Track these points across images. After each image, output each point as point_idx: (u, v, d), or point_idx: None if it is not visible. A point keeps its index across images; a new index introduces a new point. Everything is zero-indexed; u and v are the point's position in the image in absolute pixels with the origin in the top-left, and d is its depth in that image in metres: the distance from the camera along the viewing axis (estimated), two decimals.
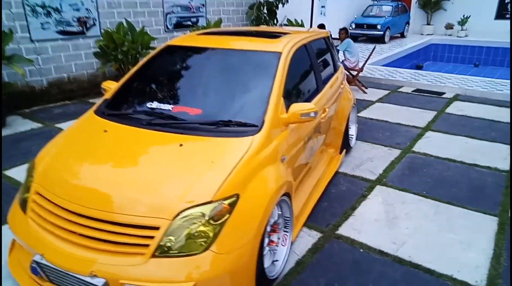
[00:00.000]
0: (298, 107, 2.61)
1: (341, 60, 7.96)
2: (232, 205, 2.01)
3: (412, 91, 7.64)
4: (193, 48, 3.21)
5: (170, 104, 2.71)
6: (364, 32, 14.26)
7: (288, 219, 2.63)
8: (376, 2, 15.72)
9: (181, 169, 2.14)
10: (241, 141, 2.33)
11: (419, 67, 13.21)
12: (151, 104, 2.74)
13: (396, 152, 4.62)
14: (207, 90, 2.83)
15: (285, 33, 3.59)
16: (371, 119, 5.88)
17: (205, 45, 3.21)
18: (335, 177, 3.93)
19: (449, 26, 16.04)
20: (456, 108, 6.50)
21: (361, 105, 6.60)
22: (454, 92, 7.51)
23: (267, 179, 2.30)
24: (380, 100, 7.00)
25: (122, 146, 2.38)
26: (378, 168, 4.18)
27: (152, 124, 2.50)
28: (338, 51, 7.62)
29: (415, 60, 13.49)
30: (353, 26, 14.44)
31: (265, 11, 9.45)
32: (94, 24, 6.83)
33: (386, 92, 7.57)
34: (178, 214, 1.90)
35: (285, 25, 11.33)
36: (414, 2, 16.91)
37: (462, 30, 15.51)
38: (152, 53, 3.29)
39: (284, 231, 2.64)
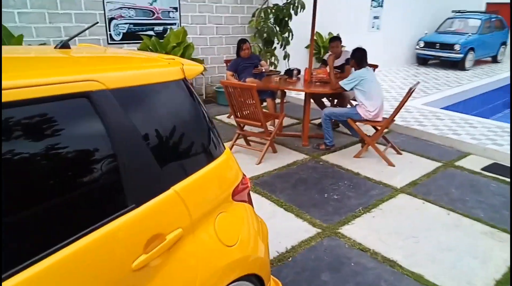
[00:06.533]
0: None
1: (354, 105, 4.84)
2: None
3: (483, 169, 4.16)
4: None
5: None
6: (436, 53, 10.50)
7: None
8: (458, 14, 11.63)
9: None
10: None
11: None
12: None
13: None
14: None
15: None
16: (363, 249, 2.72)
17: None
18: None
19: None
20: None
21: (365, 197, 3.43)
22: None
23: None
24: (413, 186, 3.72)
25: None
26: None
27: None
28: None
29: (508, 96, 9.44)
30: (421, 44, 10.76)
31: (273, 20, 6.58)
32: None
33: (432, 166, 4.22)
34: None
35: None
36: None
37: None
38: None
39: None
